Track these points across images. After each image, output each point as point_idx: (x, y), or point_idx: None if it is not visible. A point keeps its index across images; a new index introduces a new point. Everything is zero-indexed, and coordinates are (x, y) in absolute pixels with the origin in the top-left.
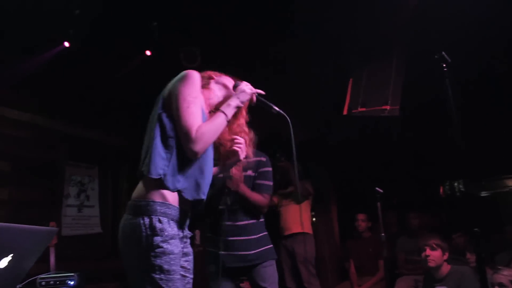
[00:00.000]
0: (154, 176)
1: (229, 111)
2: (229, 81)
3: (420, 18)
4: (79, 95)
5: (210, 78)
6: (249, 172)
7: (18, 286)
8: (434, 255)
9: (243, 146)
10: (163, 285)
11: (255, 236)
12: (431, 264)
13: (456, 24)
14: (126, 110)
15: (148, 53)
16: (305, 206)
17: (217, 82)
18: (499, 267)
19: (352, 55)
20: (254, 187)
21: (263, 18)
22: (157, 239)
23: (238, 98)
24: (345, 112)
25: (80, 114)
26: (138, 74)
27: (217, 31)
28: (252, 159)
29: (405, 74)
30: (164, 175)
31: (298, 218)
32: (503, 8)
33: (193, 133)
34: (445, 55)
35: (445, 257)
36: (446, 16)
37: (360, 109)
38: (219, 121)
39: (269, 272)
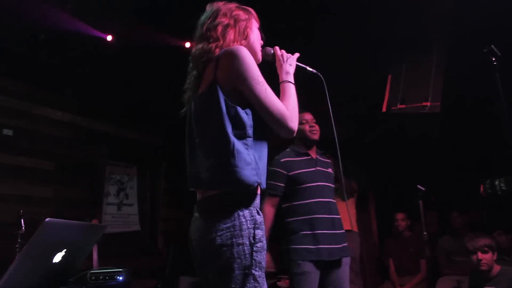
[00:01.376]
0: (250, 187)
1: (292, 78)
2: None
3: (461, 10)
4: (118, 96)
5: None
6: (330, 170)
7: (70, 280)
8: (487, 258)
9: None
10: (262, 283)
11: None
12: (484, 267)
13: (501, 15)
14: (164, 109)
15: (187, 45)
16: (351, 203)
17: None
18: None
19: (391, 51)
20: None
21: (301, 13)
22: (259, 232)
23: (290, 64)
24: (384, 109)
25: (119, 114)
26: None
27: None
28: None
29: (447, 69)
30: (260, 178)
31: (345, 215)
32: None
33: (287, 113)
34: (495, 49)
35: (495, 257)
36: (490, 7)
37: (399, 106)
38: (293, 92)
39: None
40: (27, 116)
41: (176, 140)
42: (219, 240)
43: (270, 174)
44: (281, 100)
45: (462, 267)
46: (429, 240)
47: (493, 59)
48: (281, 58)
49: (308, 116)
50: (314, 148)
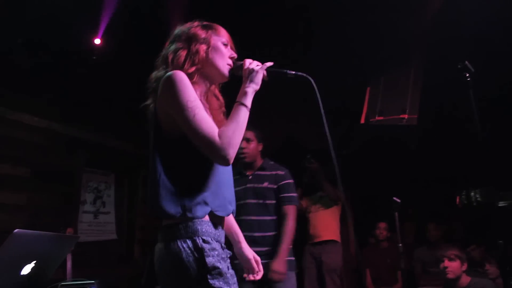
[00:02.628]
0: (170, 218)
1: (249, 100)
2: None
3: (439, 26)
4: (97, 102)
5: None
6: (266, 184)
7: None
8: (453, 266)
9: None
10: None
11: None
12: (450, 275)
13: (477, 33)
14: (144, 117)
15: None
16: (335, 213)
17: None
18: None
19: (370, 63)
20: (281, 200)
21: (276, 24)
22: (210, 260)
23: (251, 81)
24: (362, 121)
25: (97, 121)
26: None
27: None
28: (269, 172)
29: (423, 83)
30: (184, 210)
31: (328, 224)
32: None
33: (217, 140)
34: (469, 65)
35: (464, 268)
36: (467, 24)
37: (377, 118)
38: (242, 116)
39: None
40: (3, 121)
41: None
42: (173, 274)
43: None
44: (225, 124)
45: (438, 278)
46: (404, 251)
47: (467, 75)
48: (244, 73)
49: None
50: (254, 165)
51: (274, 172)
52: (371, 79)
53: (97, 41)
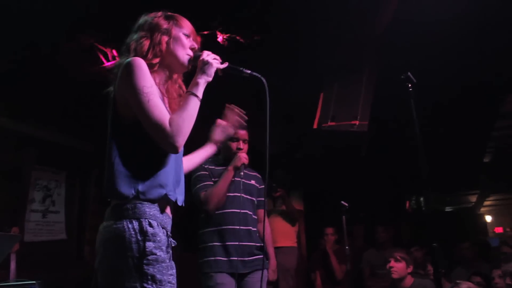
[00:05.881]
0: (123, 200)
1: (200, 90)
2: (182, 33)
3: (391, 36)
4: (47, 97)
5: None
6: (253, 182)
7: None
8: (398, 267)
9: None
10: None
11: None
12: (395, 275)
13: (426, 45)
14: (97, 114)
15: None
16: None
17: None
18: (458, 281)
19: (324, 70)
20: (258, 203)
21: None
22: (150, 244)
23: (204, 73)
24: (315, 126)
25: (48, 117)
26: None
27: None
28: (251, 172)
29: (375, 91)
30: (137, 192)
31: (285, 231)
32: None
33: (167, 127)
34: (411, 76)
35: (409, 269)
36: (417, 35)
37: (330, 123)
38: (192, 106)
39: None
40: None
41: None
42: (109, 253)
43: (198, 178)
44: (175, 112)
45: (385, 280)
46: (352, 253)
47: (409, 85)
48: (198, 64)
49: (242, 133)
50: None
51: (255, 173)
52: (325, 85)
53: None
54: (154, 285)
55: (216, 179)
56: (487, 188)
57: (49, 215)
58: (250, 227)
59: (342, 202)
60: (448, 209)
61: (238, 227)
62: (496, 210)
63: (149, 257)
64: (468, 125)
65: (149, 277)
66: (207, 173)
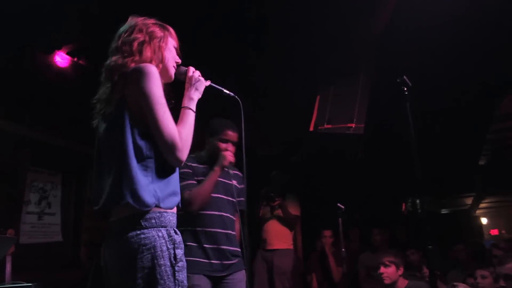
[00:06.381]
0: (146, 208)
1: (194, 106)
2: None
3: (387, 39)
4: (44, 99)
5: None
6: (234, 182)
7: None
8: (388, 272)
9: None
10: None
11: None
12: (386, 281)
13: (422, 48)
14: (93, 116)
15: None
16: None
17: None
18: (455, 283)
19: (320, 72)
20: (239, 203)
21: (228, 33)
22: (179, 252)
23: (197, 89)
24: (311, 129)
25: (44, 119)
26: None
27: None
28: (232, 171)
29: (371, 94)
30: (158, 200)
31: (281, 233)
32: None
33: (178, 142)
34: (406, 79)
35: (400, 272)
36: (413, 39)
37: (326, 126)
38: (191, 121)
39: None
40: None
41: None
42: (140, 263)
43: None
44: (177, 126)
45: (381, 282)
46: (348, 256)
47: (405, 89)
48: (190, 80)
49: (232, 135)
50: None
51: (236, 172)
52: (321, 88)
53: None
54: None
55: (199, 178)
56: (483, 191)
57: (45, 217)
58: (229, 231)
59: (339, 204)
60: (444, 211)
61: (216, 230)
62: (491, 212)
63: (179, 264)
64: (464, 128)
65: (180, 283)
66: (190, 171)
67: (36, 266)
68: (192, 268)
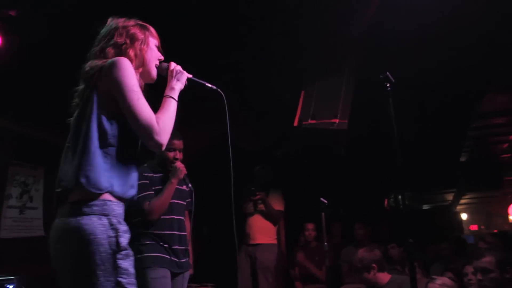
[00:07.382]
0: (98, 191)
1: (176, 95)
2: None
3: (371, 37)
4: (26, 91)
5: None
6: (184, 187)
7: None
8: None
9: None
10: None
11: None
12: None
13: (405, 46)
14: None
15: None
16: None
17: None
18: (433, 276)
19: (305, 68)
20: (188, 204)
21: (212, 30)
22: (123, 240)
23: (178, 80)
24: (295, 124)
25: (26, 112)
26: None
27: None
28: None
29: (355, 90)
30: (111, 186)
31: (265, 228)
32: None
33: (155, 125)
34: (390, 76)
35: (375, 267)
36: (397, 37)
37: (310, 121)
38: (173, 108)
39: None
40: None
41: None
42: (78, 248)
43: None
44: (157, 113)
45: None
46: (331, 250)
47: (388, 85)
48: (171, 73)
49: (177, 143)
50: None
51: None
52: (306, 83)
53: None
54: (128, 279)
55: (157, 187)
56: (463, 187)
57: (26, 211)
58: (182, 232)
59: (322, 199)
60: (425, 207)
61: (173, 232)
62: (471, 208)
63: (123, 252)
64: (445, 125)
65: (124, 271)
66: (147, 182)
67: (17, 261)
68: (159, 262)
